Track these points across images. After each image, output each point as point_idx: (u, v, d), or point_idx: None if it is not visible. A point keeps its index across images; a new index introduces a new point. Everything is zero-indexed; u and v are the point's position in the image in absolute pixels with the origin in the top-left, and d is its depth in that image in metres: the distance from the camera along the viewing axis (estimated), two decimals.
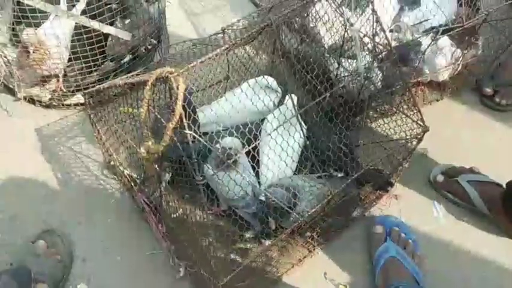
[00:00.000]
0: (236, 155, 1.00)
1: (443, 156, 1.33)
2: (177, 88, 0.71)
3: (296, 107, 1.12)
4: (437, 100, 1.45)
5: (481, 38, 1.31)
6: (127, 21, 1.24)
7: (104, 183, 1.23)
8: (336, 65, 1.24)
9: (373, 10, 1.03)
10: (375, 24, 1.06)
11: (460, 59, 1.31)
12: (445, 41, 1.29)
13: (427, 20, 1.40)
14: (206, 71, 1.25)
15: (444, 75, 1.36)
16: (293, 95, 1.14)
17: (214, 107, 1.22)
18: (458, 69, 1.36)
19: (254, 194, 1.08)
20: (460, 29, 1.20)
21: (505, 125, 1.43)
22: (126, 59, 1.26)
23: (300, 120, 1.12)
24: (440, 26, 1.39)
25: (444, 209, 1.24)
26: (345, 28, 1.18)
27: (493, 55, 1.41)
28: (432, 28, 1.41)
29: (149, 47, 1.30)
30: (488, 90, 1.46)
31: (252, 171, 1.12)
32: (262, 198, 1.03)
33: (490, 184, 1.22)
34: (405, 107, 1.06)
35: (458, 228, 1.22)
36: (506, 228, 1.20)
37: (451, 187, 1.25)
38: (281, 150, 1.08)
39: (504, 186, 1.18)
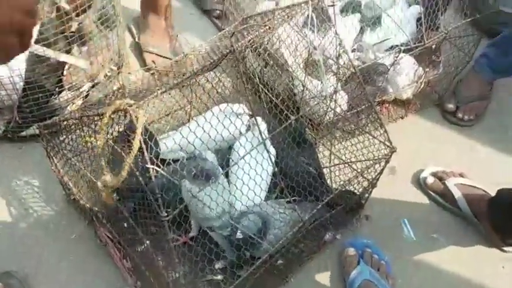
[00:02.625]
0: (216, 170, 0.97)
1: (409, 173, 1.33)
2: (137, 120, 0.68)
3: (263, 134, 1.10)
4: (402, 117, 1.46)
5: (442, 56, 1.33)
6: (84, 48, 1.19)
7: (65, 218, 1.17)
8: (301, 88, 1.22)
9: (336, 33, 1.03)
10: (338, 47, 1.06)
11: (423, 77, 1.33)
12: (407, 60, 1.30)
13: (388, 39, 1.41)
14: (168, 97, 1.22)
15: (408, 93, 1.37)
16: (260, 120, 1.12)
17: (178, 136, 1.18)
18: (421, 86, 1.37)
19: (230, 215, 1.05)
20: (422, 47, 1.21)
21: (469, 140, 1.45)
22: (85, 87, 1.22)
23: (268, 146, 1.09)
24: (402, 44, 1.41)
25: (413, 226, 1.24)
26: (309, 51, 1.17)
27: (453, 72, 1.44)
28: (394, 47, 1.43)
29: (109, 74, 1.26)
30: (451, 106, 1.48)
31: (230, 192, 1.09)
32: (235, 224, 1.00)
33: (476, 189, 1.24)
34: (372, 127, 1.05)
35: (429, 244, 1.22)
36: (489, 234, 1.21)
37: (439, 189, 1.27)
38: (249, 179, 1.05)
39: (489, 193, 1.22)
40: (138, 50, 1.49)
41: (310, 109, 1.21)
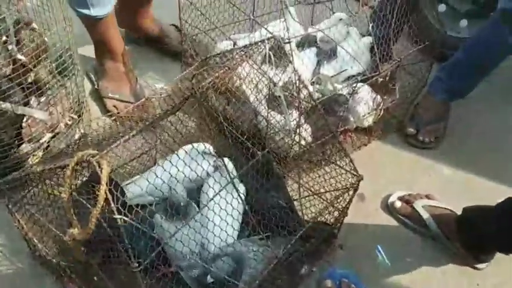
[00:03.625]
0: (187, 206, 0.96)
1: (378, 199, 1.35)
2: (101, 171, 0.66)
3: (231, 173, 1.10)
4: (365, 144, 1.49)
5: (397, 83, 1.37)
6: (43, 98, 1.17)
7: (31, 274, 1.12)
8: (265, 123, 1.24)
9: (295, 70, 1.05)
10: (297, 82, 1.08)
11: (381, 105, 1.37)
12: (365, 89, 1.34)
13: (344, 71, 1.46)
14: (132, 142, 1.20)
15: (369, 121, 1.41)
16: (227, 160, 1.12)
17: (144, 181, 1.16)
18: (381, 113, 1.41)
19: (201, 256, 1.03)
20: (377, 77, 1.25)
21: (431, 162, 1.48)
22: (45, 138, 1.19)
23: (237, 185, 1.09)
24: (358, 74, 1.46)
25: (387, 251, 1.25)
26: (269, 87, 1.19)
27: (410, 97, 1.49)
28: (351, 77, 1.47)
29: (69, 123, 1.24)
30: (411, 130, 1.52)
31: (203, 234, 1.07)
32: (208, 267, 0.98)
33: (444, 210, 1.27)
34: (338, 157, 1.07)
35: (404, 268, 1.23)
36: (460, 253, 1.23)
37: (407, 212, 1.29)
38: (220, 220, 1.04)
39: (456, 212, 1.24)
40: (98, 97, 1.48)
41: (276, 144, 1.22)
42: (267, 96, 1.26)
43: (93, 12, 1.32)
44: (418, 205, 1.27)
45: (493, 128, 1.58)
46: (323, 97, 1.32)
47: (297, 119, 1.16)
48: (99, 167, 0.67)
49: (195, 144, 1.18)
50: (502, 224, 1.12)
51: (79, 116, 1.28)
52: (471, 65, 1.45)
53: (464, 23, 1.74)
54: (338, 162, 1.08)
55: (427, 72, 1.46)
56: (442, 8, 1.75)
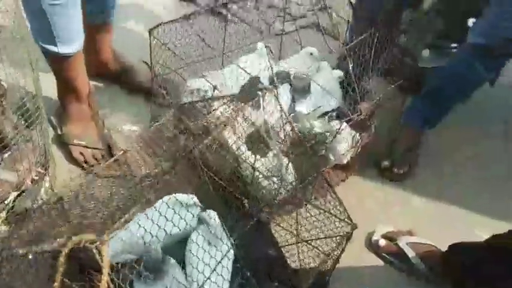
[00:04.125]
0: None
1: (362, 237, 1.33)
2: (101, 259, 0.59)
3: (216, 228, 1.04)
4: (343, 180, 1.47)
5: (375, 120, 1.37)
6: (6, 154, 1.07)
7: None
8: (249, 170, 1.19)
9: (285, 113, 1.02)
10: (286, 126, 1.05)
11: (359, 142, 1.36)
12: (345, 128, 1.33)
13: (320, 107, 1.44)
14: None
15: (347, 158, 1.39)
16: (212, 214, 1.06)
17: (126, 235, 1.08)
18: (359, 150, 1.40)
19: None
20: (360, 117, 1.24)
21: (407, 194, 1.49)
22: (11, 197, 1.08)
23: (223, 238, 1.03)
24: (333, 110, 1.45)
25: None
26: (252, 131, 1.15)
27: (386, 133, 1.50)
28: (326, 113, 1.46)
29: (36, 178, 1.14)
30: (386, 163, 1.52)
31: None
32: None
33: (427, 246, 1.27)
34: (331, 205, 1.04)
35: None
36: None
37: (391, 250, 1.28)
38: (211, 270, 0.98)
39: (438, 247, 1.25)
40: (63, 144, 1.37)
41: (264, 190, 1.18)
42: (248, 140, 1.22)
43: (61, 49, 1.22)
44: (403, 243, 1.26)
45: (465, 155, 1.62)
46: (304, 136, 1.29)
47: (283, 163, 1.13)
48: (100, 255, 0.59)
49: (178, 196, 1.11)
50: (487, 261, 1.13)
51: (45, 170, 1.18)
52: (443, 95, 1.48)
53: (426, 52, 1.78)
54: (332, 211, 1.04)
55: (402, 106, 1.47)
56: (404, 38, 1.79)
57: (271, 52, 1.57)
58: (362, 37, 1.23)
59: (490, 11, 1.28)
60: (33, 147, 1.12)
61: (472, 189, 1.52)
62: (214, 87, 1.20)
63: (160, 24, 1.22)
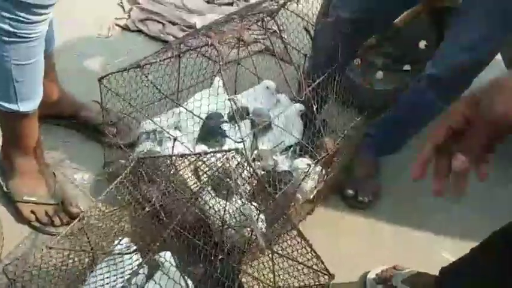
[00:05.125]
0: None
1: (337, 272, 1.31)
2: None
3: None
4: (310, 213, 1.45)
5: (340, 156, 1.36)
6: None
7: None
8: (216, 217, 1.14)
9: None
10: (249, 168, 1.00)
11: (325, 177, 1.34)
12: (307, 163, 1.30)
13: (282, 142, 1.41)
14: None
15: (313, 192, 1.37)
16: (169, 254, 0.99)
17: None
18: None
19: None
20: (327, 156, 1.22)
21: (376, 222, 1.49)
22: None
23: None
24: (296, 144, 1.42)
25: None
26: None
27: (347, 162, 1.48)
28: (289, 147, 1.43)
29: None
30: (350, 192, 1.51)
31: None
32: None
33: (419, 275, 1.24)
34: (307, 257, 1.01)
35: None
36: None
37: None
38: None
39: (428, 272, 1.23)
40: (10, 202, 1.26)
41: (231, 238, 1.13)
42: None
43: (22, 107, 1.13)
44: (397, 281, 1.24)
45: (425, 180, 1.63)
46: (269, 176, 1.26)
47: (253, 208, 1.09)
48: None
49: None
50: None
51: None
52: (400, 124, 1.49)
53: (380, 75, 1.79)
54: (307, 263, 1.01)
55: (360, 134, 1.47)
56: (357, 61, 1.79)
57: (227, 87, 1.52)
58: (324, 76, 1.21)
59: (445, 43, 1.29)
60: None
61: (433, 211, 1.54)
62: (175, 139, 1.13)
63: (110, 74, 1.14)
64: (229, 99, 1.22)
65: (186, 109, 1.23)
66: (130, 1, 2.09)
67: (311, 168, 1.20)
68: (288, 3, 1.16)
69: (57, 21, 1.32)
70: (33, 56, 1.08)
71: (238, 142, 1.06)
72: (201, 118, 1.29)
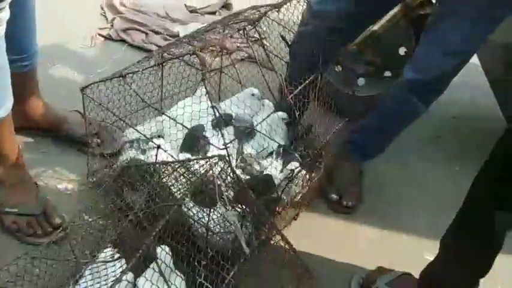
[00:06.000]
0: None
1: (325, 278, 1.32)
2: None
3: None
4: (295, 219, 1.46)
5: (324, 159, 1.37)
6: None
7: None
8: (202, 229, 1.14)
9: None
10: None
11: (309, 182, 1.35)
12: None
13: (265, 148, 1.42)
14: None
15: (298, 197, 1.38)
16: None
17: None
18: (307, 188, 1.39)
19: None
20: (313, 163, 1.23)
21: (360, 226, 1.51)
22: None
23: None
24: (279, 147, 1.43)
25: None
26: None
27: (330, 166, 1.50)
28: (272, 152, 1.44)
29: None
30: (334, 196, 1.53)
31: None
32: None
33: (403, 277, 1.26)
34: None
35: None
36: None
37: None
38: None
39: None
40: None
41: (215, 245, 1.13)
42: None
43: None
44: (382, 285, 1.25)
45: (406, 183, 1.66)
46: (254, 181, 1.27)
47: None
48: None
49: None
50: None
51: None
52: (381, 128, 1.51)
53: (362, 81, 1.82)
54: (291, 268, 1.01)
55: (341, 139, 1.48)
56: (338, 68, 1.82)
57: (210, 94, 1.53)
58: (303, 85, 1.22)
59: (423, 47, 1.32)
60: None
61: (415, 214, 1.56)
62: (158, 147, 1.14)
63: (93, 84, 1.15)
64: (211, 107, 1.25)
65: (169, 117, 1.23)
66: (113, 11, 2.09)
67: (294, 172, 1.21)
68: (269, 12, 1.18)
69: (38, 32, 1.33)
70: None
71: (221, 149, 1.06)
72: (184, 126, 1.30)
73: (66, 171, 1.42)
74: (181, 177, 1.13)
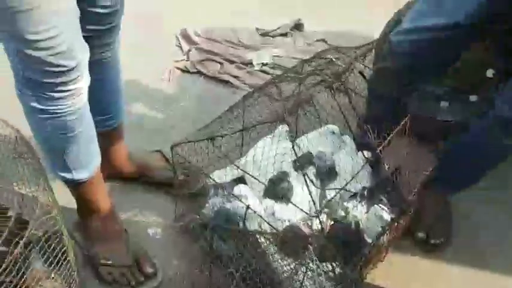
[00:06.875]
0: None
1: None
2: None
3: None
4: (381, 260, 1.41)
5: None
6: None
7: None
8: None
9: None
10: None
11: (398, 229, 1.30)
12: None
13: (349, 191, 1.39)
14: None
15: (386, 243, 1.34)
16: None
17: None
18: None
19: None
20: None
21: (451, 266, 1.44)
22: None
23: None
24: (363, 189, 1.39)
25: None
26: None
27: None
28: (354, 194, 1.40)
29: None
30: (421, 235, 1.47)
31: None
32: None
33: None
34: None
35: None
36: None
37: None
38: None
39: None
40: (89, 264, 1.30)
41: None
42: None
43: (76, 176, 1.19)
44: None
45: (496, 219, 1.56)
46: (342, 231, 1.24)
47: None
48: None
49: None
50: None
51: None
52: (467, 161, 1.42)
53: (444, 105, 1.73)
54: None
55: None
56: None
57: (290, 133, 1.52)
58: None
59: None
60: None
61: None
62: (247, 207, 1.14)
63: (183, 143, 1.17)
64: (292, 147, 1.23)
65: (253, 176, 1.23)
66: (188, 41, 2.13)
67: (386, 228, 1.17)
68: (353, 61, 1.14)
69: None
70: (74, 129, 1.10)
71: (312, 217, 1.05)
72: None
73: (154, 215, 1.47)
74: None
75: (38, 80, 1.00)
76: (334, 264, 1.10)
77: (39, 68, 0.98)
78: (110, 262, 1.27)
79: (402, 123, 1.25)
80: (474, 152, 1.40)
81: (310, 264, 1.06)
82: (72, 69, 1.00)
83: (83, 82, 1.06)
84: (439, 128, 1.67)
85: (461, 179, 1.47)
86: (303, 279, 1.05)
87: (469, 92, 1.70)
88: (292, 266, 1.10)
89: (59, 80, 1.01)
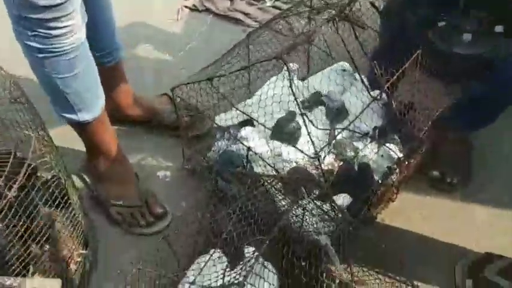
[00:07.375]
0: None
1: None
2: None
3: None
4: (392, 200, 1.38)
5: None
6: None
7: None
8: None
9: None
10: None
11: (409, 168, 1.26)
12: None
13: (358, 130, 1.34)
14: None
15: (396, 181, 1.30)
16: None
17: None
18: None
19: None
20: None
21: (468, 205, 1.39)
22: None
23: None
24: (375, 128, 1.34)
25: None
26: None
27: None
28: (366, 134, 1.35)
29: (79, 260, 1.11)
30: (436, 174, 1.42)
31: None
32: None
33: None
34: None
35: None
36: None
37: None
38: None
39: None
40: (98, 204, 1.33)
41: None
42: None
43: (81, 117, 1.18)
44: (492, 274, 1.16)
45: None
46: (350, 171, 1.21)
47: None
48: None
49: None
50: None
51: (86, 247, 1.15)
52: (493, 97, 1.34)
53: (467, 37, 1.62)
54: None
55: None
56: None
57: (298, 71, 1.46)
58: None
59: None
60: (69, 232, 1.08)
61: None
62: (249, 148, 1.12)
63: (182, 85, 1.14)
64: (290, 86, 1.17)
65: (257, 121, 1.20)
66: None
67: (394, 166, 1.13)
68: None
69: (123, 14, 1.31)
70: (74, 68, 1.09)
71: (313, 158, 1.01)
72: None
73: (163, 159, 1.47)
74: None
75: (27, 16, 0.98)
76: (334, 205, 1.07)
77: (23, 2, 0.96)
78: (120, 202, 1.29)
79: (413, 57, 1.16)
80: (500, 88, 1.32)
81: (311, 204, 1.03)
82: (60, 4, 0.97)
83: (78, 18, 1.04)
84: (457, 65, 1.57)
85: (483, 116, 1.40)
86: (303, 218, 1.03)
87: (494, 23, 1.58)
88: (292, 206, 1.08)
89: (49, 15, 0.98)
